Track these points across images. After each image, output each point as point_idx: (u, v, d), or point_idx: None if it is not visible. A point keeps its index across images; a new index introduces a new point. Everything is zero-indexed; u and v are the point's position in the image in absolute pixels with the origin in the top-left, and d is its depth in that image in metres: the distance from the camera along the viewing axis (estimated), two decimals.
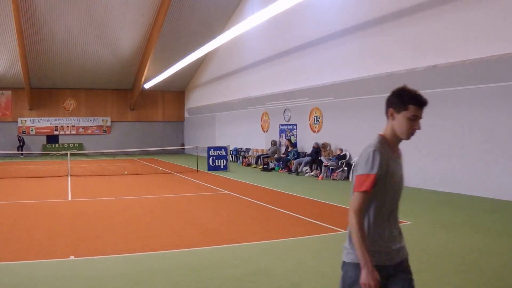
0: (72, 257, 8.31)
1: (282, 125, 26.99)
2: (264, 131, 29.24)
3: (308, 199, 14.95)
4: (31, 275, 7.37)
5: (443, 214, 12.04)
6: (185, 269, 7.53)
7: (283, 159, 24.66)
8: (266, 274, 7.09)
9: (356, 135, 20.39)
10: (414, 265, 3.81)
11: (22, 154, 41.04)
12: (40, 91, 43.24)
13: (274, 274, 7.08)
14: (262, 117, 29.57)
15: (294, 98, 24.97)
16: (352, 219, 3.56)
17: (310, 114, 24.07)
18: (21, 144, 42.15)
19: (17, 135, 42.62)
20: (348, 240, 3.63)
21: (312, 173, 22.07)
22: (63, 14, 31.57)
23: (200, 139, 40.12)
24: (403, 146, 3.54)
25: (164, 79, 36.87)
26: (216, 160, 25.61)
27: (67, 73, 40.25)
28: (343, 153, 20.89)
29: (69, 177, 22.63)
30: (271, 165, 25.58)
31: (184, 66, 31.21)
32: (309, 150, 23.47)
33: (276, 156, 25.88)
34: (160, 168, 27.70)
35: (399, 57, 17.54)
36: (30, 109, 43.62)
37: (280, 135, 27.19)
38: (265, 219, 11.58)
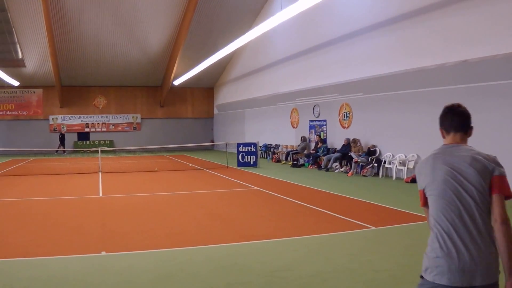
0: (103, 253, 8.45)
1: (311, 121, 26.91)
2: (293, 127, 29.19)
3: (337, 195, 14.90)
4: (63, 270, 7.50)
5: None
6: (213, 265, 7.56)
7: (313, 155, 24.59)
8: (295, 270, 7.09)
9: (387, 131, 20.26)
10: None
11: (64, 151, 41.76)
12: (70, 89, 43.72)
13: (303, 270, 7.06)
14: (291, 113, 29.51)
15: (323, 94, 24.87)
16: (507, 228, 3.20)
17: (339, 110, 23.96)
18: (62, 141, 42.89)
19: (59, 133, 43.44)
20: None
21: (342, 169, 21.97)
22: (91, 12, 31.83)
23: (230, 135, 40.16)
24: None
25: (193, 76, 36.91)
26: (246, 156, 25.65)
27: (97, 71, 40.62)
28: (373, 149, 20.79)
29: (100, 174, 22.85)
30: (301, 161, 25.53)
31: (213, 63, 31.24)
32: (339, 146, 23.38)
33: (305, 152, 25.82)
34: (190, 165, 27.82)
35: (428, 52, 17.33)
36: (61, 107, 44.11)
37: (309, 131, 27.11)
38: (294, 215, 11.59)
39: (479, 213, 3.23)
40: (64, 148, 41.85)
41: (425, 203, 3.52)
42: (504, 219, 3.18)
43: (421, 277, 3.37)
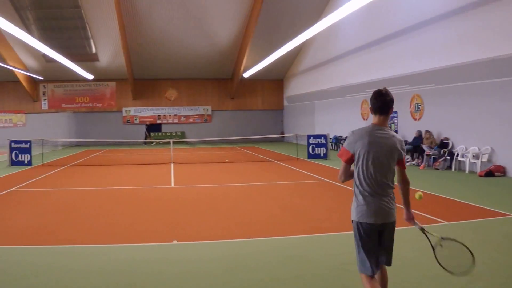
0: (175, 241, 8.71)
1: None
2: (364, 119, 28.94)
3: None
4: (135, 258, 7.80)
5: None
6: (282, 256, 7.68)
7: None
8: None
9: (460, 122, 19.87)
10: None
11: (152, 142, 42.84)
12: (142, 82, 44.66)
13: None
14: (361, 105, 29.27)
15: (394, 85, 24.48)
16: None
17: (410, 102, 23.64)
18: (148, 133, 44.11)
19: (145, 125, 44.89)
20: None
21: (414, 162, 21.71)
22: (161, 6, 32.37)
23: (300, 127, 40.16)
24: None
25: (263, 68, 36.97)
26: (316, 148, 25.63)
27: (168, 64, 41.33)
28: (446, 141, 20.43)
29: (171, 165, 23.30)
30: None
31: (282, 55, 31.24)
32: (410, 138, 23.07)
33: None
34: (260, 156, 28.00)
35: (502, 41, 16.87)
36: (133, 99, 45.18)
37: None
38: None
39: None
40: (151, 139, 42.86)
41: None
42: None
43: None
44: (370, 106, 5.04)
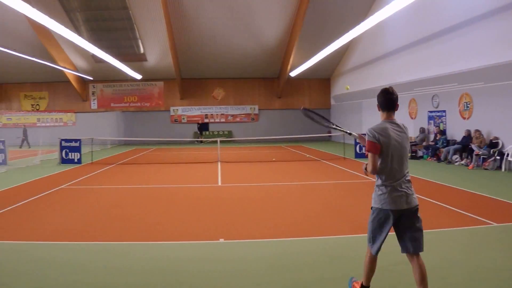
0: (221, 240, 8.78)
1: (430, 111, 26.23)
2: (412, 118, 28.59)
3: (457, 189, 14.44)
4: (182, 255, 7.90)
5: None
6: (328, 256, 7.65)
7: (432, 147, 24.04)
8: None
9: (510, 122, 19.49)
10: None
11: (201, 141, 43.30)
12: (190, 81, 45.10)
13: None
14: (409, 104, 28.92)
15: (442, 84, 24.19)
16: None
17: (459, 100, 23.26)
18: (200, 132, 44.69)
19: (197, 124, 45.44)
20: None
21: (462, 162, 21.36)
22: (208, 6, 32.61)
23: (347, 126, 39.75)
24: None
25: (309, 67, 36.86)
26: (363, 148, 25.41)
27: (215, 63, 41.62)
28: (496, 141, 20.04)
29: (219, 163, 23.44)
30: (420, 153, 25.00)
31: (329, 54, 31.11)
32: (459, 137, 22.72)
33: (424, 144, 25.28)
34: (307, 155, 27.94)
35: None
36: (181, 99, 45.61)
37: (428, 122, 26.48)
38: None
39: None
40: (203, 137, 43.32)
41: None
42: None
43: None
44: (377, 104, 5.61)
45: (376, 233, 5.58)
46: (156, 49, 38.44)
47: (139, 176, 19.22)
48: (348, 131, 6.29)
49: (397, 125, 5.50)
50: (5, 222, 10.60)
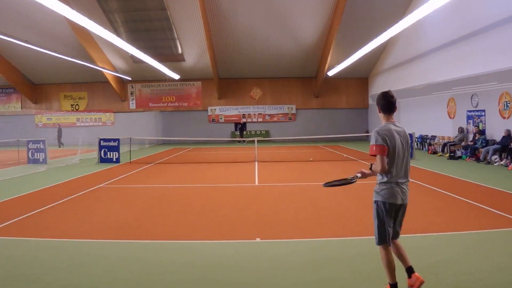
0: (258, 239, 8.83)
1: (469, 111, 25.88)
2: (450, 118, 28.26)
3: (497, 190, 14.16)
4: (220, 254, 7.94)
5: None
6: (366, 257, 7.60)
7: (471, 147, 23.71)
8: (449, 267, 6.94)
9: None
10: None
11: (244, 140, 43.42)
12: (227, 81, 45.27)
13: (457, 268, 6.91)
14: (448, 103, 28.59)
15: (482, 83, 23.83)
16: None
17: (499, 99, 22.92)
18: (241, 132, 44.99)
19: (239, 124, 45.89)
20: None
21: (502, 162, 21.03)
22: (245, 6, 32.69)
23: None
24: None
25: (347, 66, 36.74)
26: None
27: (252, 63, 41.74)
28: None
29: (256, 163, 23.47)
30: (458, 153, 24.69)
31: (366, 53, 30.94)
32: (498, 137, 22.39)
33: (463, 144, 24.96)
34: (345, 155, 27.81)
35: None
36: (218, 98, 45.79)
37: (467, 121, 26.13)
38: (449, 209, 11.28)
39: None
40: (243, 137, 43.47)
41: None
42: None
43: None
44: (378, 107, 6.12)
45: (381, 225, 5.93)
46: (193, 49, 38.71)
47: (177, 175, 19.40)
48: (354, 180, 6.39)
49: (398, 126, 5.99)
50: (45, 220, 10.82)
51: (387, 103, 6.05)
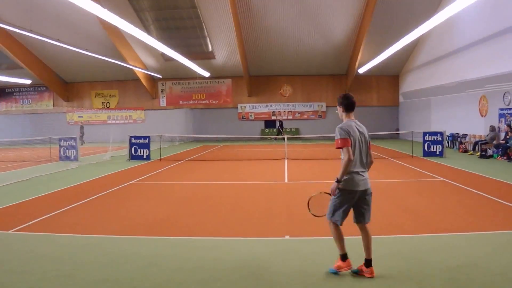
0: (287, 237, 8.89)
1: (501, 109, 25.57)
2: (482, 116, 27.96)
3: None
4: (249, 252, 8.01)
5: None
6: (395, 256, 7.61)
7: (503, 145, 23.43)
8: (480, 267, 6.88)
9: None
10: None
11: (276, 138, 43.67)
12: (257, 79, 45.33)
13: (488, 268, 6.83)
14: (480, 101, 28.27)
15: None
16: None
17: None
18: (281, 129, 45.18)
19: (279, 121, 45.81)
20: None
21: None
22: (276, 3, 32.73)
23: (415, 124, 39.35)
24: None
25: (378, 64, 36.51)
26: (432, 146, 25.05)
27: (282, 60, 41.72)
28: None
29: (285, 160, 23.52)
30: (489, 152, 24.41)
31: (397, 50, 30.74)
32: None
33: (494, 142, 24.69)
34: (374, 153, 27.66)
35: None
36: (249, 96, 45.87)
37: (499, 120, 25.81)
38: (480, 209, 11.16)
39: None
40: (282, 134, 43.45)
41: None
42: None
43: None
44: (341, 106, 7.16)
45: (337, 208, 6.74)
46: (224, 47, 38.85)
47: (207, 173, 19.52)
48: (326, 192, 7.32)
49: (360, 124, 6.95)
50: (77, 216, 10.99)
51: (350, 103, 7.05)
